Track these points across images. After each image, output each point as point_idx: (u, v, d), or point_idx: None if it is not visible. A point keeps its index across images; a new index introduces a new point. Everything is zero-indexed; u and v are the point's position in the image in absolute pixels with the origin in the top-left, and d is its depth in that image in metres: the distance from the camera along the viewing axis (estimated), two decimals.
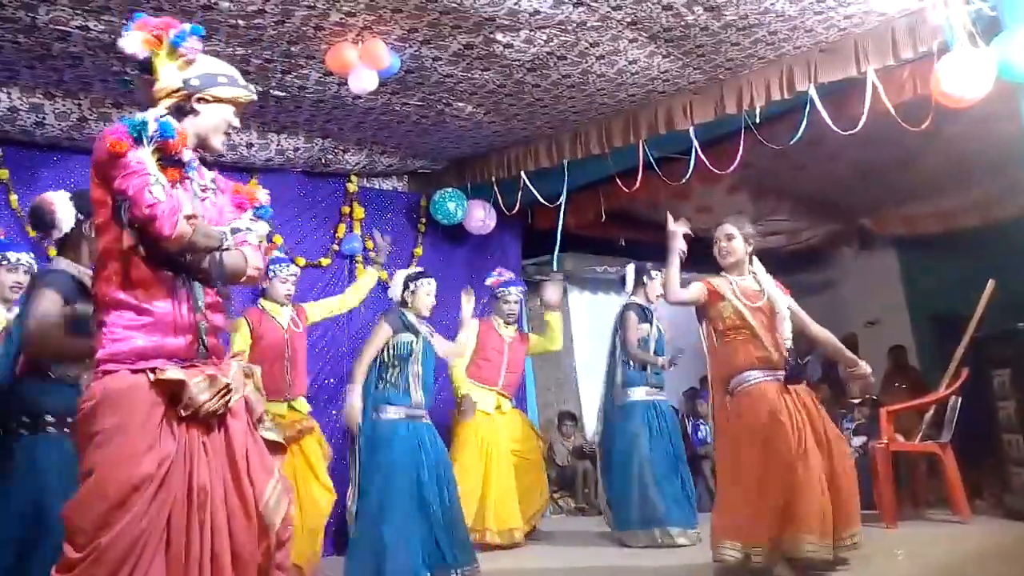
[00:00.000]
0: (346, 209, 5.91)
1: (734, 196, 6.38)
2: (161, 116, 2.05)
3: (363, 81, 4.00)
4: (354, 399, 4.09)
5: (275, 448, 2.22)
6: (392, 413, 4.13)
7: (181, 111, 2.12)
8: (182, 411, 1.98)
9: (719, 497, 3.76)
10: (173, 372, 1.99)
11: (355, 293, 5.04)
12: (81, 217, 2.68)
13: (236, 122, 2.20)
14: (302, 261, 5.17)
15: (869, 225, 8.32)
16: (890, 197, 7.56)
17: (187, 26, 2.12)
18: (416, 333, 4.30)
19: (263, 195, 2.29)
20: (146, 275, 2.02)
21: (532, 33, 4.08)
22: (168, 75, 2.11)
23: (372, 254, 5.25)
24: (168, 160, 2.05)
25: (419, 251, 6.18)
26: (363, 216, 5.92)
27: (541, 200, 5.67)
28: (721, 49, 4.42)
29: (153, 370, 1.99)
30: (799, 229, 8.10)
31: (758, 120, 4.77)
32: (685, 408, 7.72)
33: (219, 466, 2.03)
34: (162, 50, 2.10)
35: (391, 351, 4.20)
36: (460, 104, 4.90)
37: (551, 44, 4.21)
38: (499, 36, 4.07)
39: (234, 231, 2.12)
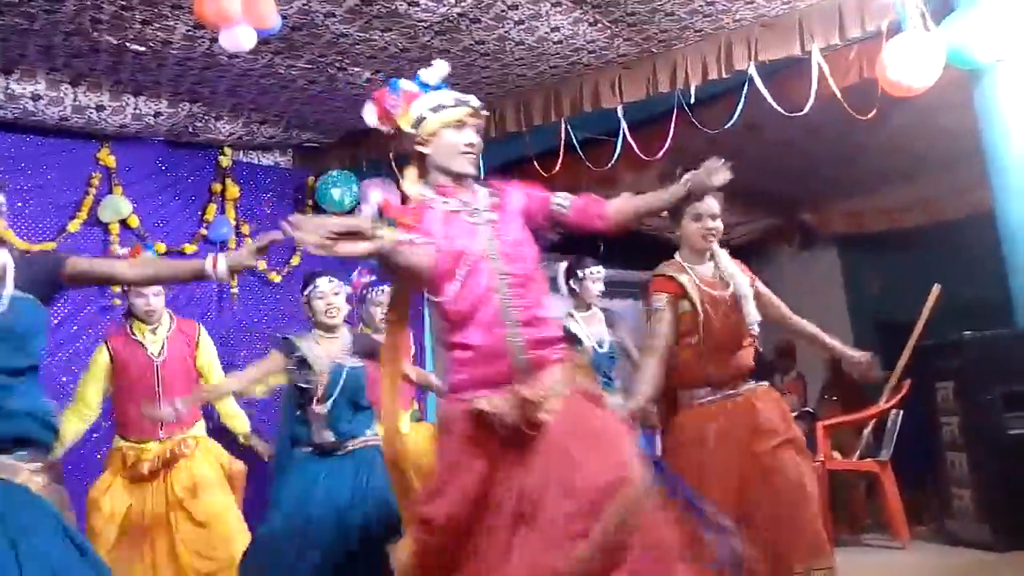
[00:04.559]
0: (217, 187, 5.65)
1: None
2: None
3: (239, 39, 3.67)
4: None
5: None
6: None
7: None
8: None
9: None
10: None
11: None
12: None
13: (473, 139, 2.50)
14: (162, 247, 4.99)
15: (810, 221, 8.50)
16: (833, 191, 7.76)
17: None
18: None
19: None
20: None
21: None
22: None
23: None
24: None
25: None
26: (237, 196, 5.70)
27: None
28: (654, 19, 4.41)
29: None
30: (733, 224, 8.13)
31: (692, 101, 4.80)
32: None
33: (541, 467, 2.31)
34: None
35: None
36: (356, 69, 4.76)
37: (463, 4, 4.11)
38: None
39: None
